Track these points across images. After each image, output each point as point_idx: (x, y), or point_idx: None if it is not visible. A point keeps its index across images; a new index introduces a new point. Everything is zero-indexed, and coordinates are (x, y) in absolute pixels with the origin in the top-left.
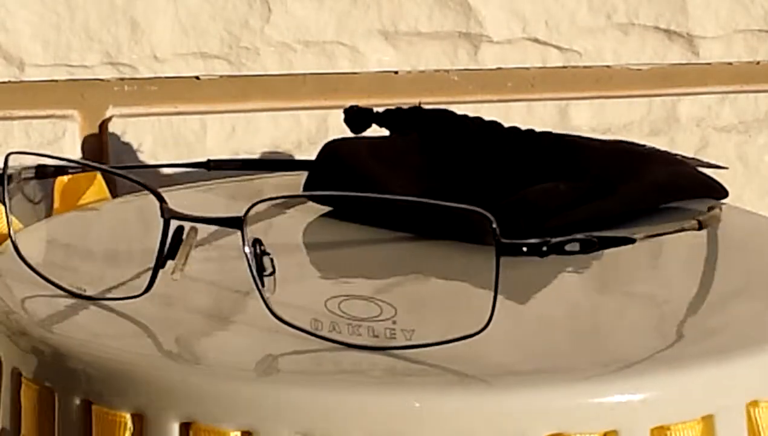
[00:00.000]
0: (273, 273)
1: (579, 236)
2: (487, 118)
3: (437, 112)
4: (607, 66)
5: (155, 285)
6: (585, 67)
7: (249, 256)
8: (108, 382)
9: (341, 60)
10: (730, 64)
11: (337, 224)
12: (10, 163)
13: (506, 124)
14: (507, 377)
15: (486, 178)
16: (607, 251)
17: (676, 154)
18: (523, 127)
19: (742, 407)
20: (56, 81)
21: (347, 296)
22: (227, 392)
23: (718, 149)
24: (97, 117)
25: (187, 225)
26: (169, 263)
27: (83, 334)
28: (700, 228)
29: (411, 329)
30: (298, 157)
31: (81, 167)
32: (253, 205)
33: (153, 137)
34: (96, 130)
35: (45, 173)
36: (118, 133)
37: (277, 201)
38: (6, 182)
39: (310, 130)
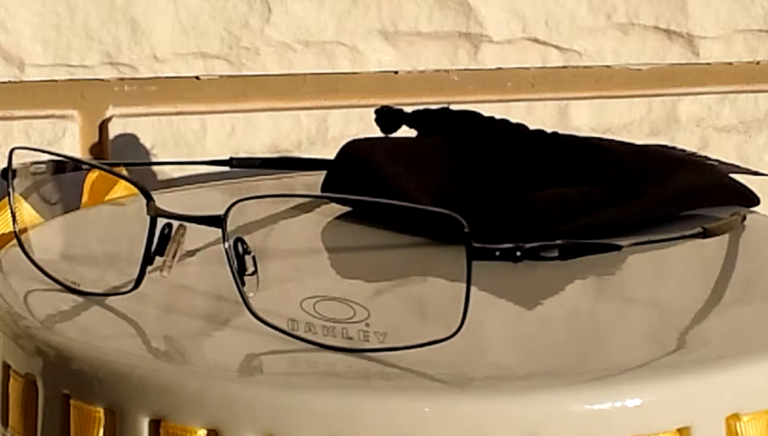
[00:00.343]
0: (255, 272)
1: (558, 241)
2: (513, 120)
3: (463, 114)
4: (607, 66)
5: (144, 283)
6: (585, 67)
7: (230, 254)
8: (84, 377)
9: (341, 60)
10: (730, 64)
11: (330, 224)
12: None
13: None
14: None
15: (507, 180)
16: (614, 257)
17: (712, 160)
18: (549, 130)
19: (720, 419)
20: (56, 81)
21: (322, 297)
22: (195, 390)
23: (718, 149)
24: (97, 117)
25: (175, 223)
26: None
27: (69, 329)
28: (705, 236)
29: (384, 332)
30: (298, 157)
31: (89, 166)
32: (233, 203)
33: (153, 137)
34: (96, 130)
35: (48, 170)
36: (118, 133)
37: (279, 200)
38: (11, 177)
39: (310, 130)
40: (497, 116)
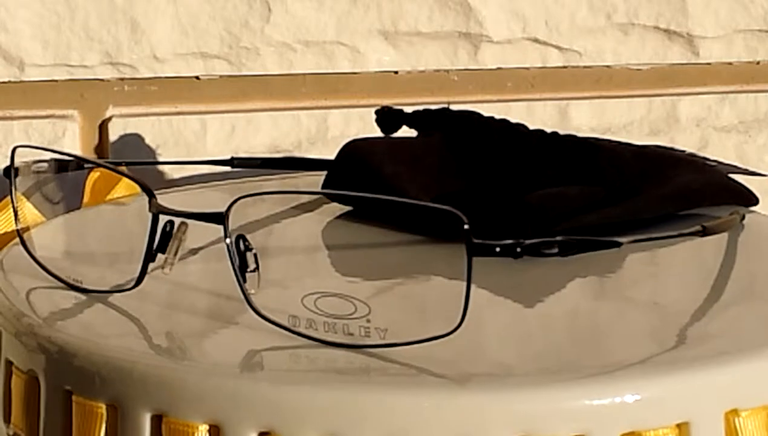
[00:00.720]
0: (257, 269)
1: (558, 238)
2: (513, 120)
3: (463, 114)
4: (607, 66)
5: (147, 281)
6: (585, 67)
7: (231, 251)
8: (85, 373)
9: (341, 60)
10: (730, 64)
11: (330, 223)
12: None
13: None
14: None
15: (506, 179)
16: (614, 255)
17: (712, 160)
18: (549, 130)
19: (719, 415)
20: (56, 81)
21: (323, 293)
22: (196, 385)
23: (718, 149)
24: (97, 117)
25: (177, 220)
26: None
27: (70, 326)
28: (704, 234)
29: (385, 328)
30: (299, 157)
31: (92, 164)
32: (235, 201)
33: (153, 137)
34: (96, 130)
35: (50, 169)
36: (118, 133)
37: (281, 199)
38: (13, 175)
39: (310, 130)
40: (497, 116)
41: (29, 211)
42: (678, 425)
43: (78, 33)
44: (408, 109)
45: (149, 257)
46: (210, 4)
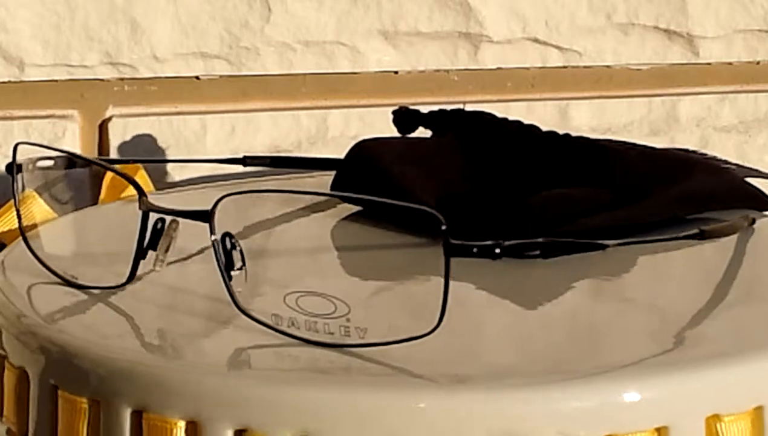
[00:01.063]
0: (243, 267)
1: (540, 239)
2: (526, 121)
3: (477, 114)
4: (607, 66)
5: (144, 278)
6: (585, 67)
7: (217, 249)
8: (69, 367)
9: (341, 60)
10: (730, 64)
11: (325, 222)
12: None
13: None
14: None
15: (516, 181)
16: (614, 258)
17: (731, 164)
18: (561, 132)
19: (700, 420)
20: (56, 81)
21: (304, 292)
22: (175, 382)
23: (718, 149)
24: (97, 117)
25: (168, 218)
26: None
27: (59, 322)
28: (702, 238)
29: (364, 328)
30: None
31: (85, 161)
32: (221, 198)
33: (153, 137)
34: (96, 130)
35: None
36: (118, 133)
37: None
38: (15, 171)
39: (310, 130)
40: (510, 117)
41: (41, 208)
42: (657, 429)
43: (78, 33)
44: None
45: (140, 254)
46: (210, 4)
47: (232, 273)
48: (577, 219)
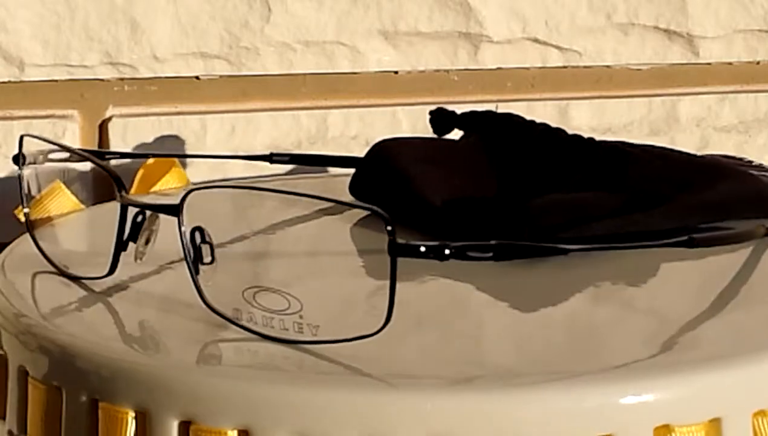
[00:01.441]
0: (213, 261)
1: (492, 242)
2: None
3: (504, 116)
4: (607, 66)
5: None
6: (585, 67)
7: (185, 242)
8: (37, 355)
9: (341, 60)
10: (730, 64)
11: (308, 218)
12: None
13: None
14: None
15: (530, 183)
16: (619, 259)
17: (762, 169)
18: (586, 135)
19: (648, 428)
20: (56, 81)
21: (261, 287)
22: (123, 371)
23: (718, 149)
24: (97, 117)
25: (148, 212)
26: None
27: (53, 320)
28: (692, 246)
29: (317, 325)
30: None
31: (80, 155)
32: (188, 193)
33: (153, 137)
34: (96, 130)
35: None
36: (118, 133)
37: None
38: (21, 162)
39: (310, 130)
40: (538, 120)
41: (69, 199)
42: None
43: (78, 33)
44: (409, 109)
45: (119, 246)
46: (210, 4)
47: (202, 267)
48: (579, 225)
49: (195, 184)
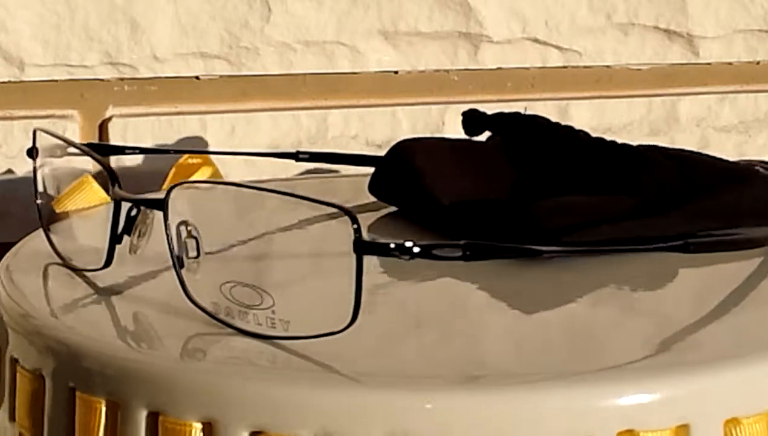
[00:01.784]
0: (198, 256)
1: (462, 241)
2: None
3: (530, 118)
4: (607, 66)
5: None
6: (585, 67)
7: (170, 236)
8: (26, 345)
9: (341, 60)
10: (730, 64)
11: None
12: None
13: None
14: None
15: (547, 185)
16: (622, 262)
17: None
18: (608, 138)
19: (613, 433)
20: (56, 81)
21: (237, 282)
22: (100, 361)
23: (718, 149)
24: (97, 117)
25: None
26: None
27: (66, 320)
28: (688, 251)
29: (288, 321)
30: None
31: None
32: (173, 187)
33: (153, 137)
34: (96, 130)
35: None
36: (118, 133)
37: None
38: (35, 156)
39: (310, 130)
40: (563, 122)
41: (96, 194)
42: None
43: (78, 33)
44: (408, 110)
45: (114, 239)
46: (210, 4)
47: (188, 261)
48: (582, 228)
49: (182, 181)
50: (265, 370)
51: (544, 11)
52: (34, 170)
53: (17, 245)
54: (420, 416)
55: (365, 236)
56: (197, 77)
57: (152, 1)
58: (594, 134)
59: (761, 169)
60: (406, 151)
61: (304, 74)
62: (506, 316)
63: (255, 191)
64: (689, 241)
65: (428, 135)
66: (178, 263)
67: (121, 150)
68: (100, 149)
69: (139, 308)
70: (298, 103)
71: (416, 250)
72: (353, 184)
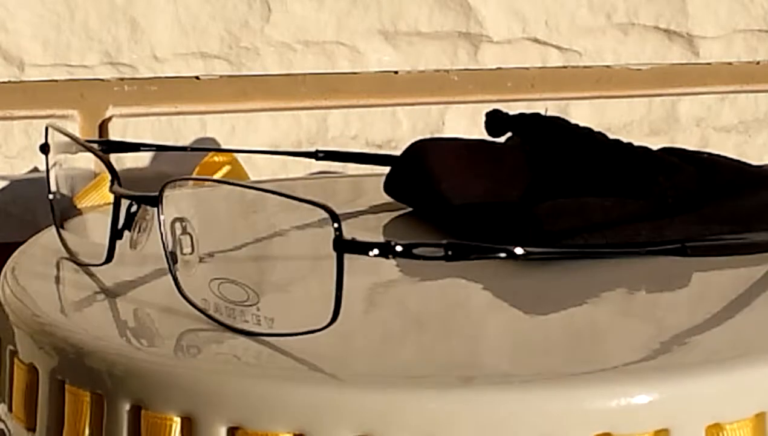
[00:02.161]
0: (192, 252)
1: (444, 241)
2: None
3: (550, 119)
4: (607, 66)
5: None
6: (585, 67)
7: (164, 232)
8: (22, 338)
9: (341, 60)
10: (730, 64)
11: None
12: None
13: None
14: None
15: (561, 187)
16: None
17: None
18: (625, 140)
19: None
20: (56, 81)
21: (224, 278)
22: (86, 355)
23: (718, 149)
24: (97, 117)
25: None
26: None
27: (68, 320)
28: (684, 254)
29: (272, 318)
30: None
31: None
32: (166, 184)
33: (153, 137)
34: (96, 130)
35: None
36: (118, 133)
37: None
38: (47, 151)
39: (310, 130)
40: (581, 124)
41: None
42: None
43: (78, 33)
44: (408, 110)
45: (114, 235)
46: (210, 4)
47: (183, 257)
48: (586, 231)
49: (174, 177)
50: (242, 366)
51: (544, 11)
52: (47, 166)
53: (26, 243)
54: (395, 415)
55: (346, 234)
56: (197, 77)
57: (152, 1)
58: None
59: None
60: (420, 151)
61: (304, 74)
62: (505, 317)
63: (250, 191)
64: (687, 244)
65: (447, 135)
66: (172, 259)
67: (136, 147)
68: (116, 146)
69: (131, 305)
70: (298, 103)
71: (398, 249)
72: (354, 185)
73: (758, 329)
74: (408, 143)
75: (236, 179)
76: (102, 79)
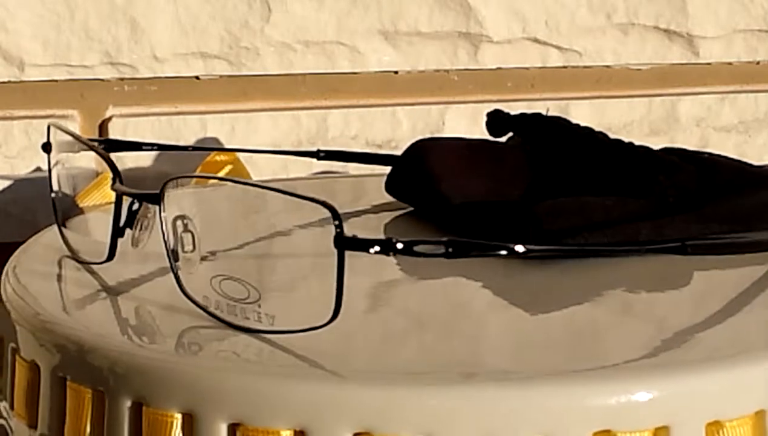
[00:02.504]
0: (194, 250)
1: (444, 239)
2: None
3: (551, 119)
4: (607, 66)
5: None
6: (585, 67)
7: (165, 230)
8: (24, 336)
9: (341, 60)
10: (730, 64)
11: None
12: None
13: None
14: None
15: (561, 187)
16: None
17: None
18: (626, 140)
19: (588, 433)
20: (56, 81)
21: (226, 276)
22: (88, 352)
23: (718, 149)
24: (97, 117)
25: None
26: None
27: (71, 317)
28: (684, 253)
29: (273, 315)
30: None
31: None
32: (167, 182)
33: (153, 137)
34: (96, 130)
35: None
36: (118, 133)
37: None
38: (49, 150)
39: (310, 130)
40: (583, 123)
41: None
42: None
43: (78, 33)
44: (408, 110)
45: (116, 233)
46: (210, 4)
47: (185, 255)
48: (586, 230)
49: (175, 175)
50: (243, 363)
51: (544, 11)
52: (49, 165)
53: (28, 241)
54: (396, 412)
55: (347, 232)
56: (197, 77)
57: (152, 1)
58: None
59: None
60: (421, 151)
61: (304, 74)
62: (504, 315)
63: (252, 189)
64: (687, 243)
65: (448, 135)
66: (173, 257)
67: (138, 146)
68: (117, 145)
69: (132, 303)
70: (298, 103)
71: (399, 246)
72: (355, 184)
73: (758, 327)
74: (408, 143)
75: (238, 178)
76: (102, 79)
